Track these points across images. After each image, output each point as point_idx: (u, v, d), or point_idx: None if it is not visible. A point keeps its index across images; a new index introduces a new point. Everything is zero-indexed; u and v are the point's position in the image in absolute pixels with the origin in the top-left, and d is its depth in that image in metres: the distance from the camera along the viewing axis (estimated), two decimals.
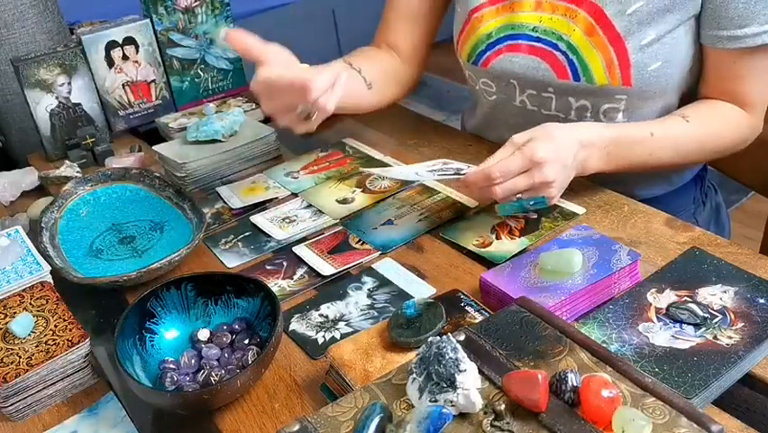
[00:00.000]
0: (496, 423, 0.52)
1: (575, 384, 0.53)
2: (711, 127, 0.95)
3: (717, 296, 0.72)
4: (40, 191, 1.19)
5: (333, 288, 0.86)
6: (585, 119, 1.01)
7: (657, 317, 0.70)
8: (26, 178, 1.20)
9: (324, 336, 0.78)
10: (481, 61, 1.05)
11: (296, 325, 0.80)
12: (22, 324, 0.77)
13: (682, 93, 1.00)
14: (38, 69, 1.23)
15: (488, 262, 0.86)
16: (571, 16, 0.96)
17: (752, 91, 0.95)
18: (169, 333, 0.78)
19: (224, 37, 0.89)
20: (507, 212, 0.92)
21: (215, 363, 0.75)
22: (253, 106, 1.34)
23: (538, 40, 0.99)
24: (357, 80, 1.08)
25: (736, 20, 0.88)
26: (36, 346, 0.75)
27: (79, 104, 1.29)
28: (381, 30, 1.18)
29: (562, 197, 0.92)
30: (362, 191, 1.05)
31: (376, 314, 0.81)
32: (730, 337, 0.67)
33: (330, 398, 0.68)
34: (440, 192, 1.02)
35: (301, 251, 0.93)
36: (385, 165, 1.11)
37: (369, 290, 0.85)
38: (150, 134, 1.36)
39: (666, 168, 1.00)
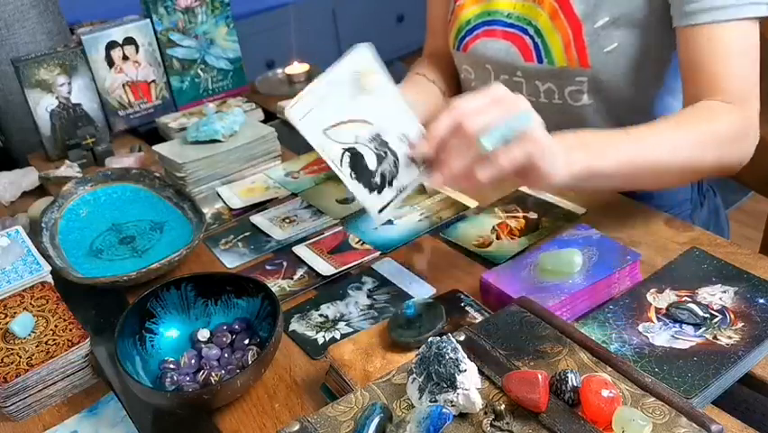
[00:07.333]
0: (496, 423, 0.52)
1: (575, 384, 0.53)
2: (692, 118, 0.85)
3: (716, 296, 0.72)
4: (40, 191, 1.19)
5: (333, 288, 0.86)
6: (554, 101, 1.01)
7: (657, 317, 0.70)
8: (26, 178, 1.20)
9: (324, 336, 0.78)
10: (462, 47, 1.08)
11: (296, 325, 0.80)
12: (22, 324, 0.77)
13: (652, 78, 0.98)
14: (38, 69, 1.23)
15: (488, 262, 0.86)
16: (537, 1, 0.98)
17: (732, 74, 0.85)
18: (169, 333, 0.78)
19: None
20: (492, 143, 0.69)
21: (215, 363, 0.75)
22: (253, 106, 1.35)
23: (512, 25, 1.01)
24: (435, 93, 1.11)
25: None
26: (36, 346, 0.75)
27: (79, 104, 1.29)
28: (428, 38, 1.21)
29: (561, 196, 0.91)
30: None
31: (376, 314, 0.81)
32: (730, 337, 0.67)
33: (330, 398, 0.68)
34: (440, 192, 1.02)
35: (301, 251, 0.93)
36: None
37: (369, 290, 0.85)
38: (150, 134, 1.36)
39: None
